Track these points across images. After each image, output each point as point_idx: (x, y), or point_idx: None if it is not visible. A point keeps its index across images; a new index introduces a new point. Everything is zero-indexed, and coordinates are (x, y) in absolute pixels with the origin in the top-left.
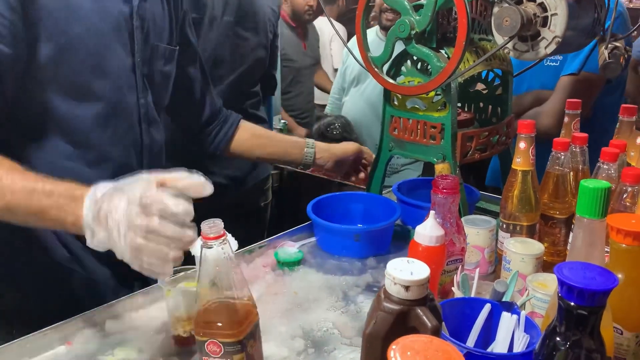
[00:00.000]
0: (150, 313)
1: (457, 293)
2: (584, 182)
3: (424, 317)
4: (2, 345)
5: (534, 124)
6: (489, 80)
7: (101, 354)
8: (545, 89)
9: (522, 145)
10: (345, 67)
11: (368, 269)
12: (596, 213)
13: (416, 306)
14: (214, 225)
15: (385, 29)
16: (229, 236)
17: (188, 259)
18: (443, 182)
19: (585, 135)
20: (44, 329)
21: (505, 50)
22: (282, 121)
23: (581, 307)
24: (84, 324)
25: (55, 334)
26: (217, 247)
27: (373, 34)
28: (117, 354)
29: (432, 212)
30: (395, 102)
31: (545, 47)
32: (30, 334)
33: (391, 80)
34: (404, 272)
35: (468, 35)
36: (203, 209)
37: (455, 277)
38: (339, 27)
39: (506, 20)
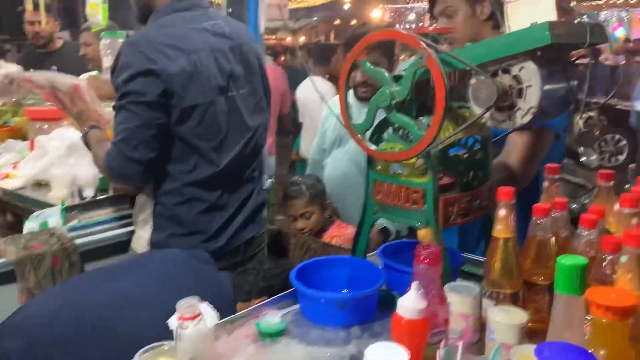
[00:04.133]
0: None
1: None
2: (561, 259)
3: None
4: None
5: (514, 191)
6: (469, 144)
7: None
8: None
9: (502, 212)
10: (326, 128)
11: (352, 338)
12: (574, 290)
13: None
14: (189, 306)
15: (361, 99)
16: (209, 309)
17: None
18: (425, 253)
19: (565, 200)
20: None
21: (483, 120)
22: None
23: None
24: None
25: None
26: (192, 327)
27: (349, 97)
28: None
29: (414, 284)
30: (379, 167)
31: (522, 117)
32: None
33: (373, 147)
34: None
35: (446, 105)
36: None
37: (438, 351)
38: (329, 85)
39: (482, 92)
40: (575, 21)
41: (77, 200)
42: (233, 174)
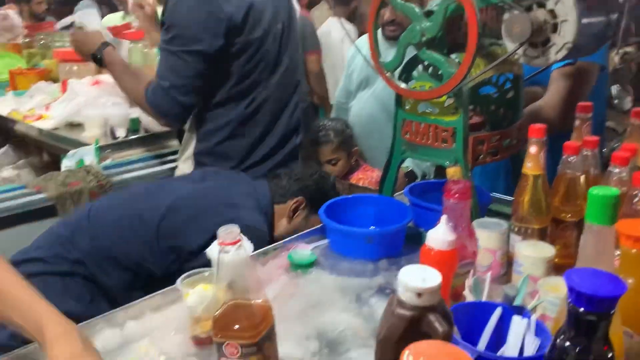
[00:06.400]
0: (169, 314)
1: (469, 297)
2: (593, 190)
3: (436, 323)
4: (28, 346)
5: (545, 128)
6: (499, 83)
7: (122, 353)
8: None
9: (532, 149)
10: (352, 70)
11: (381, 270)
12: (605, 220)
13: (428, 312)
14: (230, 232)
15: (388, 39)
16: (245, 240)
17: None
18: (455, 187)
19: (596, 138)
20: None
21: (516, 56)
22: None
23: (590, 313)
24: (105, 324)
25: None
26: (233, 252)
27: (378, 37)
28: (138, 353)
29: (444, 217)
30: (407, 106)
31: (556, 53)
32: None
33: (403, 85)
34: (417, 279)
35: (478, 42)
36: None
37: (467, 280)
38: (350, 27)
39: (516, 27)
40: None
41: (109, 140)
42: (274, 109)
